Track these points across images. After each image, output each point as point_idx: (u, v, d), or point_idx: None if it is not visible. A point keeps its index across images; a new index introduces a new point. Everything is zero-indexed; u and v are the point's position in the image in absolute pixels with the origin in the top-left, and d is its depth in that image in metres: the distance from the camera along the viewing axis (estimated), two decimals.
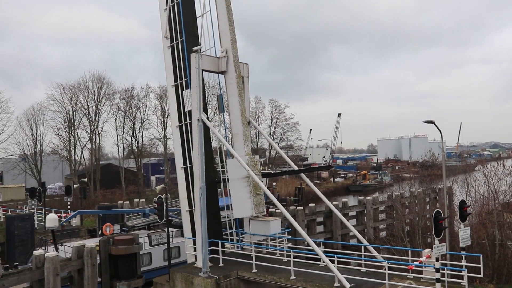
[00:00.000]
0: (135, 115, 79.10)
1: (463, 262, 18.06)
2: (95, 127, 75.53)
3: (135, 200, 55.12)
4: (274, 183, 63.85)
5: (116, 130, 78.63)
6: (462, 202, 20.65)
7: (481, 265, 17.57)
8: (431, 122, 26.23)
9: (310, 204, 44.22)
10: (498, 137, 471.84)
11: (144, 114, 79.68)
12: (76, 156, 76.12)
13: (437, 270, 16.74)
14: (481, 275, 18.00)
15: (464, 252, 18.65)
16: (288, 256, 21.50)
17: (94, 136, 75.99)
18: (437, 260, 16.75)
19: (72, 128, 74.15)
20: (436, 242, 16.89)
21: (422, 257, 18.42)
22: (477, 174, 36.59)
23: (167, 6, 27.02)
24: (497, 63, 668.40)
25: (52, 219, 26.74)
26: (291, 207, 42.04)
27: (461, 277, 17.30)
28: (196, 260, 23.85)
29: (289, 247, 24.99)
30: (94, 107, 75.27)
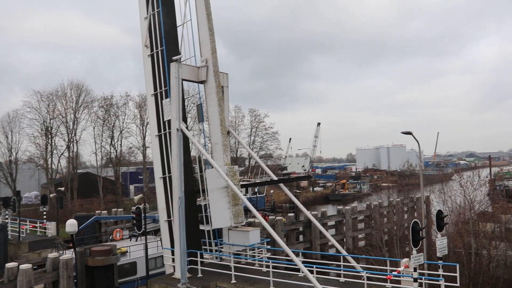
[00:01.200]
0: (113, 123, 78.34)
1: (440, 272, 18.24)
2: (72, 135, 74.55)
3: (113, 209, 54.39)
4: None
5: (95, 138, 77.83)
6: (439, 212, 20.87)
7: (457, 274, 17.75)
8: (409, 133, 26.55)
9: (289, 214, 44.26)
10: (474, 146, 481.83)
11: (123, 123, 79.01)
12: (53, 164, 74.93)
13: (415, 280, 16.88)
14: (458, 284, 18.17)
15: (441, 262, 18.85)
16: (267, 266, 21.43)
17: (71, 145, 75.00)
18: (415, 270, 16.89)
19: (49, 136, 72.94)
20: (414, 252, 17.04)
21: (400, 267, 18.51)
22: (454, 184, 37.16)
23: (147, 14, 26.92)
24: (475, 74, 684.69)
25: (71, 224, 26.67)
26: (273, 217, 42.05)
27: (438, 286, 17.46)
28: (174, 271, 23.61)
29: (268, 258, 24.92)
30: (72, 115, 74.35)
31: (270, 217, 42.92)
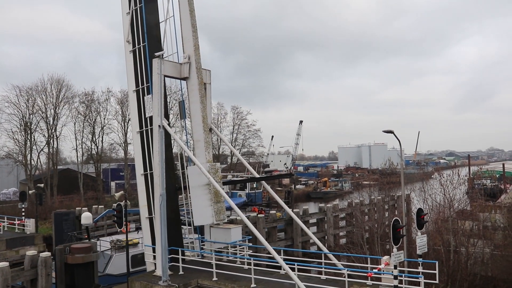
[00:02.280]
0: (95, 119, 77.47)
1: (420, 269, 18.46)
2: (53, 131, 73.29)
3: (93, 206, 53.90)
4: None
5: (75, 134, 76.79)
6: (419, 210, 21.09)
7: (436, 272, 17.99)
8: (391, 132, 26.74)
9: (271, 212, 44.33)
10: (454, 146, 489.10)
11: (104, 119, 78.19)
12: (32, 160, 73.66)
13: (395, 277, 17.04)
14: (437, 281, 18.41)
15: (420, 259, 19.06)
16: (249, 264, 21.43)
17: (51, 140, 73.76)
18: (395, 267, 17.05)
19: (29, 132, 71.66)
20: (395, 249, 17.20)
21: (381, 265, 18.70)
22: (434, 182, 37.58)
23: (129, 10, 26.62)
24: (457, 74, 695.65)
25: (87, 217, 27.82)
26: (253, 215, 42.07)
27: (418, 284, 17.66)
28: (155, 268, 23.46)
29: (249, 255, 24.92)
30: (52, 111, 73.07)
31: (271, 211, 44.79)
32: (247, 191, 53.91)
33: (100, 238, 32.43)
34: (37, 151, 74.11)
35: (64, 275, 24.44)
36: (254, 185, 55.87)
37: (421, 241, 19.35)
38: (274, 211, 44.71)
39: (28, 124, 71.47)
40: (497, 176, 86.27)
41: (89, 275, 24.88)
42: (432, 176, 55.04)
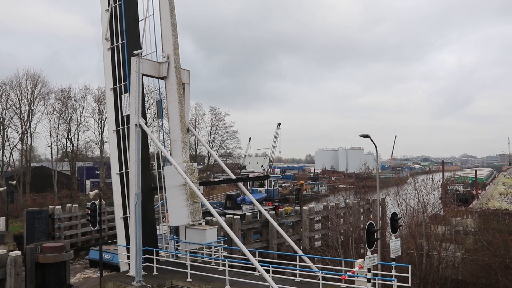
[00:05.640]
0: (71, 116, 76.53)
1: (393, 272, 18.67)
2: (27, 127, 71.93)
3: (67, 205, 53.06)
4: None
5: (50, 131, 75.57)
6: (394, 215, 21.36)
7: (409, 275, 18.22)
8: (367, 136, 27.01)
9: (247, 213, 44.29)
10: (429, 151, 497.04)
11: (80, 116, 77.33)
12: (4, 157, 72.14)
13: (369, 280, 17.19)
14: (409, 284, 18.64)
15: (394, 263, 19.28)
16: (224, 265, 21.37)
17: (25, 137, 72.37)
18: (369, 270, 17.21)
19: (1, 127, 70.22)
20: (369, 253, 17.37)
21: (354, 267, 18.83)
22: (408, 187, 38.05)
23: (109, 7, 26.35)
24: (435, 80, 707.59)
25: None
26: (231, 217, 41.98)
27: (391, 287, 17.86)
28: (129, 268, 23.20)
29: (224, 256, 24.86)
30: (27, 107, 71.74)
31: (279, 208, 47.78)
32: (266, 188, 59.61)
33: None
34: (10, 147, 72.68)
35: (34, 275, 23.94)
36: (272, 183, 63.09)
37: (394, 244, 19.59)
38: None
39: (1, 119, 70.01)
40: (470, 182, 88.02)
41: (61, 275, 24.45)
42: (407, 181, 55.74)
